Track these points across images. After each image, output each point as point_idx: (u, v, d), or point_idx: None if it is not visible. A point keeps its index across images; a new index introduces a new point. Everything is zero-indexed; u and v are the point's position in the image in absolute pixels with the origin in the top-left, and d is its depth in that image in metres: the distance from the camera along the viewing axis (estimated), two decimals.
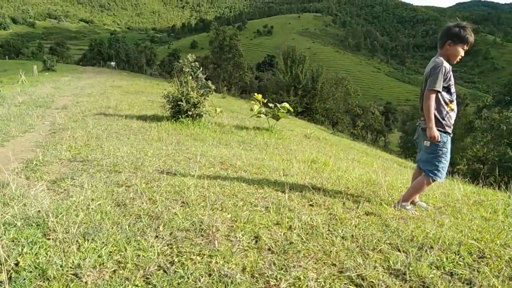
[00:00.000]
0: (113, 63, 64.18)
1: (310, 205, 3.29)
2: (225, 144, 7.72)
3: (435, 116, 3.22)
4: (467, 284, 2.05)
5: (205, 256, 2.06)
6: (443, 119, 3.29)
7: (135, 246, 2.11)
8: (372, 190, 4.16)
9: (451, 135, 3.41)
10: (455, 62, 3.33)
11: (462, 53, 3.25)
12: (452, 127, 3.38)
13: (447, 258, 2.32)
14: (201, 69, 9.96)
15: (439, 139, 3.25)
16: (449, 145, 3.41)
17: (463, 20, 3.40)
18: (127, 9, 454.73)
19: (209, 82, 10.16)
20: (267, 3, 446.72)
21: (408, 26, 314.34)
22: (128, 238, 2.20)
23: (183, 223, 2.46)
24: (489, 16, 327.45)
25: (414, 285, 1.96)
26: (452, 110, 3.34)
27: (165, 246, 2.15)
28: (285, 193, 3.46)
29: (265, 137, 9.69)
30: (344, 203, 3.43)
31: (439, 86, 3.18)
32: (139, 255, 2.01)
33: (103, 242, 2.12)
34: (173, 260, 1.99)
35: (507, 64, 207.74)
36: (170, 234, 2.31)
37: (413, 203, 3.64)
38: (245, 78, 51.72)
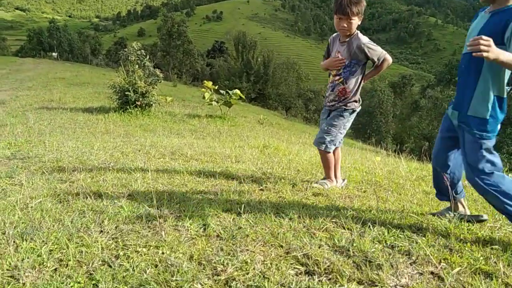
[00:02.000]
0: (55, 54, 60.84)
1: (261, 189, 3.33)
2: (176, 133, 7.61)
3: None
4: (406, 255, 2.16)
5: (152, 247, 2.04)
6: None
7: (78, 243, 2.04)
8: (321, 172, 4.26)
9: (326, 108, 3.61)
10: (341, 33, 3.37)
11: (339, 22, 3.26)
12: (326, 99, 3.60)
13: (388, 232, 2.44)
14: (147, 57, 9.69)
15: None
16: (321, 116, 3.67)
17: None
18: None
19: (158, 70, 9.94)
20: None
21: None
22: (70, 235, 2.12)
23: (129, 216, 2.41)
24: None
25: (357, 260, 2.04)
26: (330, 82, 3.51)
27: (110, 240, 2.10)
28: (236, 180, 3.48)
29: (218, 125, 9.67)
30: (293, 186, 3.50)
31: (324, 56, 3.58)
32: (82, 251, 1.95)
33: (43, 241, 2.03)
34: (118, 254, 1.95)
35: (448, 45, 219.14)
36: (116, 227, 2.25)
37: (333, 178, 3.68)
38: (196, 65, 50.95)
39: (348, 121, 3.48)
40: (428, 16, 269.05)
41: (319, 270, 1.91)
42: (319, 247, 2.15)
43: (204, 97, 11.04)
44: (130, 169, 3.75)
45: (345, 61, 3.37)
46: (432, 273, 1.99)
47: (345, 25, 3.22)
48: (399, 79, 57.59)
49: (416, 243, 2.29)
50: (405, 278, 1.90)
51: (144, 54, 9.63)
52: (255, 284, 1.75)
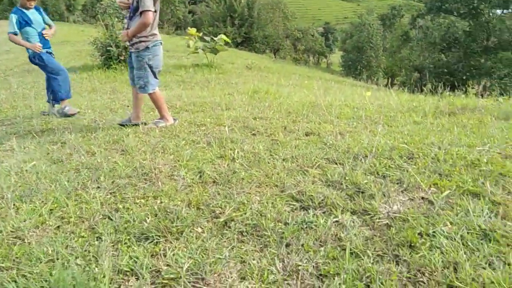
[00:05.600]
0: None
1: (253, 134, 3.35)
2: (164, 86, 7.49)
3: None
4: (397, 183, 2.23)
5: (150, 198, 2.08)
6: None
7: (77, 200, 2.08)
8: (312, 111, 4.27)
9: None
10: None
11: None
12: None
13: (380, 163, 2.49)
14: None
15: None
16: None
17: None
18: None
19: None
20: None
21: None
22: (68, 193, 2.15)
23: (124, 170, 2.44)
24: None
25: (350, 192, 2.11)
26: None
27: (108, 195, 2.14)
28: (227, 127, 3.48)
29: (205, 74, 9.49)
30: (285, 128, 3.52)
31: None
32: (82, 208, 1.99)
33: (42, 202, 2.07)
34: (118, 207, 1.99)
35: None
36: (112, 183, 2.29)
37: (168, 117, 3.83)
38: (177, 13, 49.02)
39: (149, 58, 3.53)
40: None
41: (313, 204, 1.98)
42: (313, 183, 2.21)
43: (189, 46, 10.73)
44: (120, 125, 3.74)
45: (128, 4, 3.50)
46: (422, 198, 2.06)
47: None
48: (388, 10, 56.00)
49: (407, 171, 2.35)
50: (397, 205, 1.97)
51: None
52: (253, 222, 1.81)
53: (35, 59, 4.41)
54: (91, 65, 9.31)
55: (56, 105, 4.68)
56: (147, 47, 3.47)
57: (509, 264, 1.48)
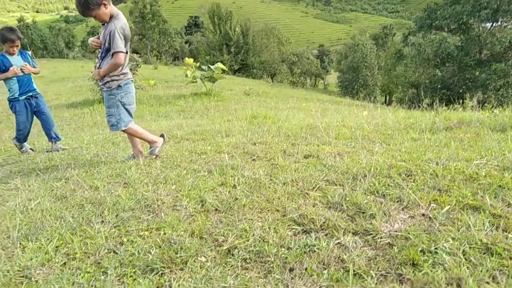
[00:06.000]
0: (29, 52, 59.28)
1: (253, 159, 3.39)
2: (164, 116, 7.61)
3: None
4: (397, 202, 2.25)
5: (153, 229, 2.10)
6: None
7: (82, 235, 2.10)
8: (310, 134, 4.33)
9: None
10: None
11: None
12: None
13: (379, 183, 2.52)
14: None
15: None
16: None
17: None
18: None
19: (136, 55, 9.79)
20: None
21: None
22: (73, 229, 2.18)
23: (127, 203, 2.47)
24: None
25: (351, 213, 2.13)
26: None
27: (112, 229, 2.16)
28: (227, 154, 3.53)
29: (204, 102, 9.64)
30: (284, 151, 3.57)
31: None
32: (87, 243, 2.01)
33: (48, 239, 2.09)
34: (122, 240, 2.01)
35: None
36: (116, 216, 2.31)
37: (156, 139, 3.80)
38: (174, 44, 49.96)
39: (121, 96, 3.54)
40: None
41: (315, 227, 2.00)
42: (314, 206, 2.24)
43: (187, 76, 10.94)
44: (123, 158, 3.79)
45: (100, 44, 3.50)
46: (423, 215, 2.08)
47: (93, 18, 3.38)
48: (380, 30, 57.09)
49: (406, 189, 2.38)
50: (398, 223, 1.99)
51: None
52: (256, 249, 1.83)
53: (11, 105, 4.71)
54: (92, 100, 9.47)
55: (57, 142, 4.79)
56: (119, 85, 3.51)
57: None
